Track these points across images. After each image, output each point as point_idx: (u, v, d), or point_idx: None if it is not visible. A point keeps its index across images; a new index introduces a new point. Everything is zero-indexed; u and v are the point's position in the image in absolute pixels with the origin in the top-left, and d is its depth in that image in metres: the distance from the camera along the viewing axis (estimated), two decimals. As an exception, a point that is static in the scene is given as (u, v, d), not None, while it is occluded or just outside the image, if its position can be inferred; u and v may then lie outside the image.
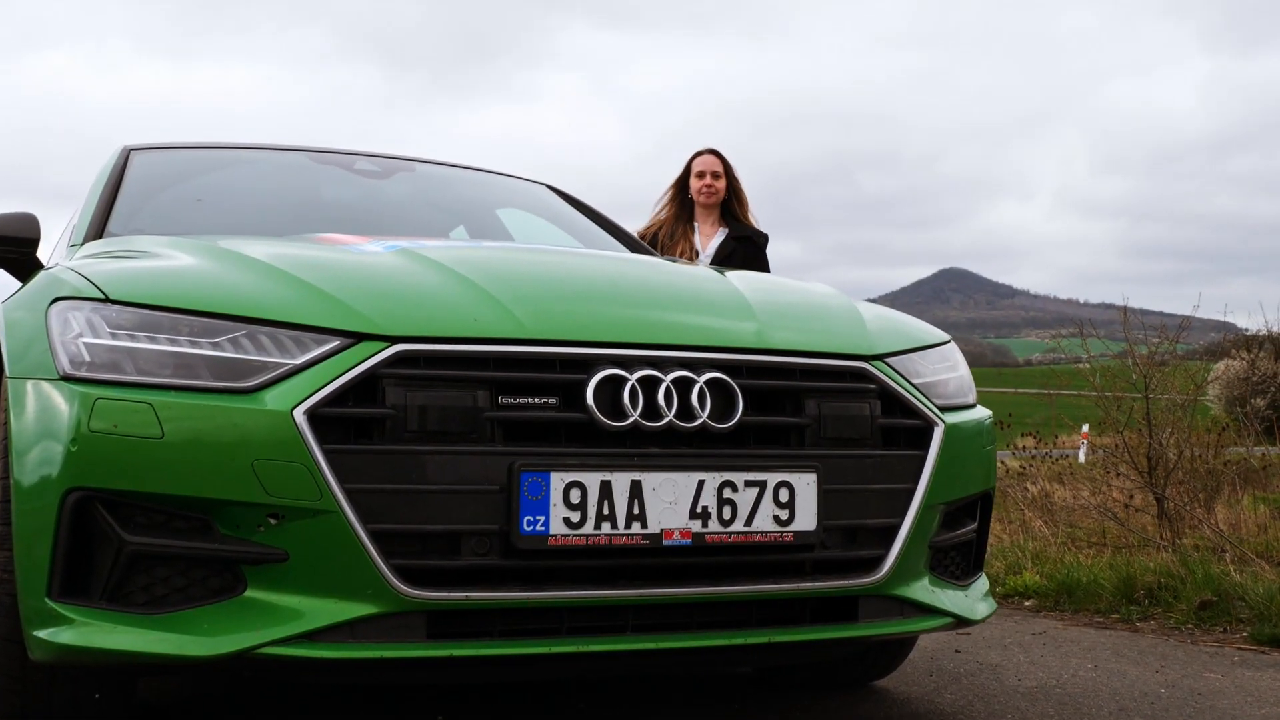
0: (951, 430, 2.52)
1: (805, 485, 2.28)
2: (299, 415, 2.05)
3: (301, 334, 2.15)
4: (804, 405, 2.36)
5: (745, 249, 5.42)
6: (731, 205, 5.54)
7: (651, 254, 4.01)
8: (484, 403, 2.13)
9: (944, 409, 2.57)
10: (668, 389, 2.22)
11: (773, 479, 2.26)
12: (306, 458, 2.04)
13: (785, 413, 2.35)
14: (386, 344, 2.13)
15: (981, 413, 2.75)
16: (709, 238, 5.50)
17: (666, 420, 2.20)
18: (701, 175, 5.49)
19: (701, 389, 2.24)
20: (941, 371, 2.67)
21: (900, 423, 2.47)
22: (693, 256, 5.37)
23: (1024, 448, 9.61)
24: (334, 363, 2.11)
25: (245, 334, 2.15)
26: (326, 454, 2.04)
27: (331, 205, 3.75)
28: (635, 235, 5.56)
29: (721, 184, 5.48)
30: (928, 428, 2.49)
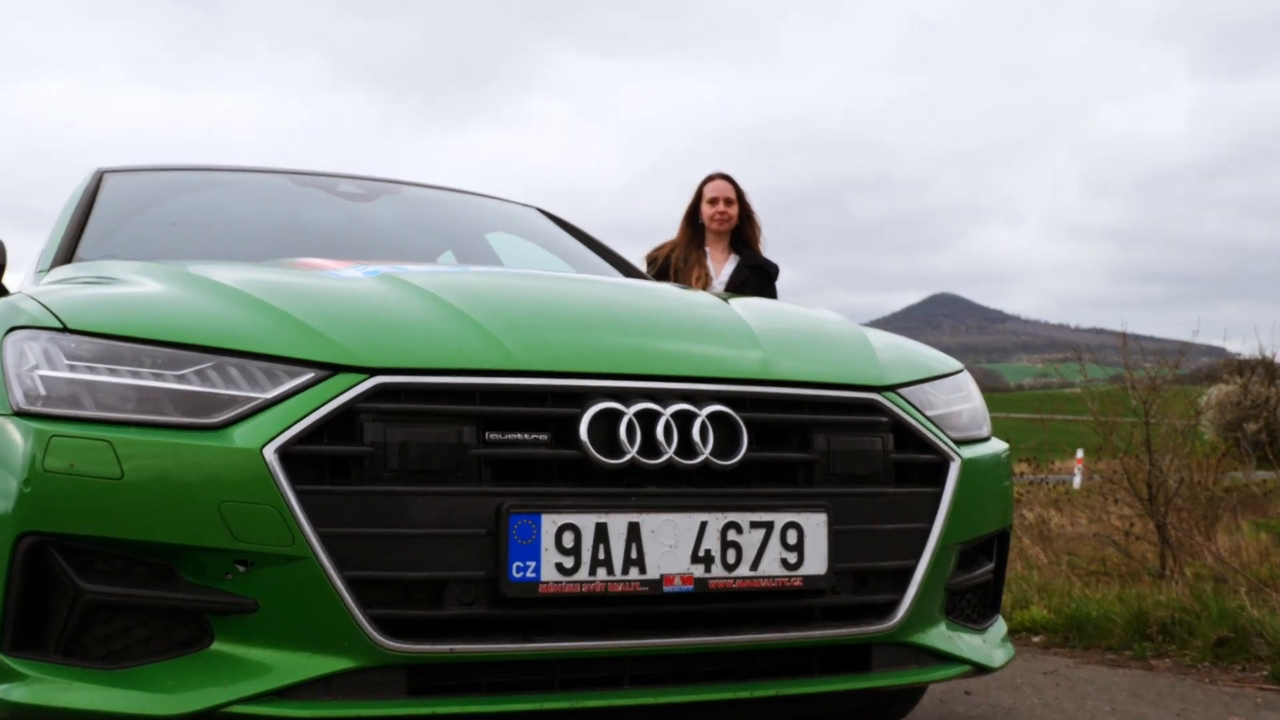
0: (968, 465, 2.37)
1: (814, 526, 2.13)
2: (269, 453, 1.89)
3: (273, 365, 2.00)
4: (812, 440, 2.21)
5: (757, 278, 5.26)
6: (744, 232, 5.37)
7: (647, 279, 3.87)
8: (470, 439, 1.98)
9: (959, 442, 2.42)
10: (667, 423, 2.07)
11: (780, 520, 2.11)
12: (277, 499, 1.88)
13: (793, 448, 2.21)
14: (365, 376, 1.98)
15: (997, 445, 2.60)
16: (720, 264, 5.33)
17: (666, 457, 2.05)
18: (714, 201, 5.31)
19: (703, 423, 2.09)
20: (955, 402, 2.53)
21: (914, 458, 2.32)
22: (708, 283, 5.21)
23: (1020, 474, 9.47)
24: (308, 396, 1.96)
25: (213, 365, 2.00)
26: (299, 495, 1.89)
27: (313, 229, 3.60)
28: (642, 259, 5.41)
29: (734, 210, 5.31)
30: (943, 463, 2.34)
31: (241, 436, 1.92)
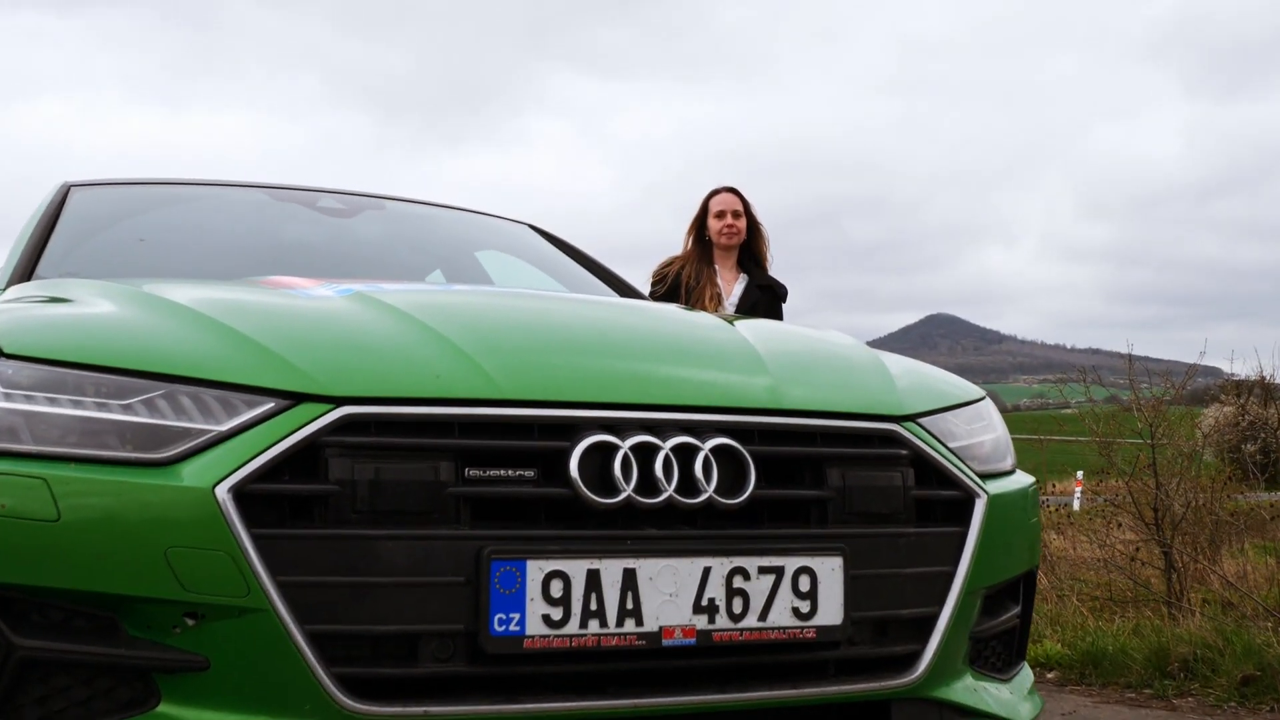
0: (994, 501, 2.17)
1: (829, 571, 1.93)
2: (222, 493, 1.69)
3: (229, 394, 1.80)
4: (826, 475, 2.01)
5: (767, 299, 5.06)
6: (753, 247, 5.16)
7: (644, 299, 3.67)
8: (447, 476, 1.78)
9: (983, 475, 2.23)
10: (666, 458, 1.86)
11: (791, 564, 1.91)
12: (231, 544, 1.68)
13: (804, 485, 2.00)
14: (331, 406, 1.78)
15: (1023, 479, 2.40)
16: (730, 284, 5.12)
17: (665, 496, 1.85)
18: (721, 215, 5.09)
19: (706, 458, 1.89)
20: (978, 432, 2.33)
21: (937, 494, 2.12)
22: (720, 303, 4.99)
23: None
24: (267, 429, 1.75)
25: (162, 394, 1.80)
26: (255, 540, 1.69)
27: (290, 246, 3.40)
28: (648, 276, 5.20)
29: (742, 224, 5.10)
30: (968, 499, 2.14)
31: (191, 474, 1.72)
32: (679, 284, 5.04)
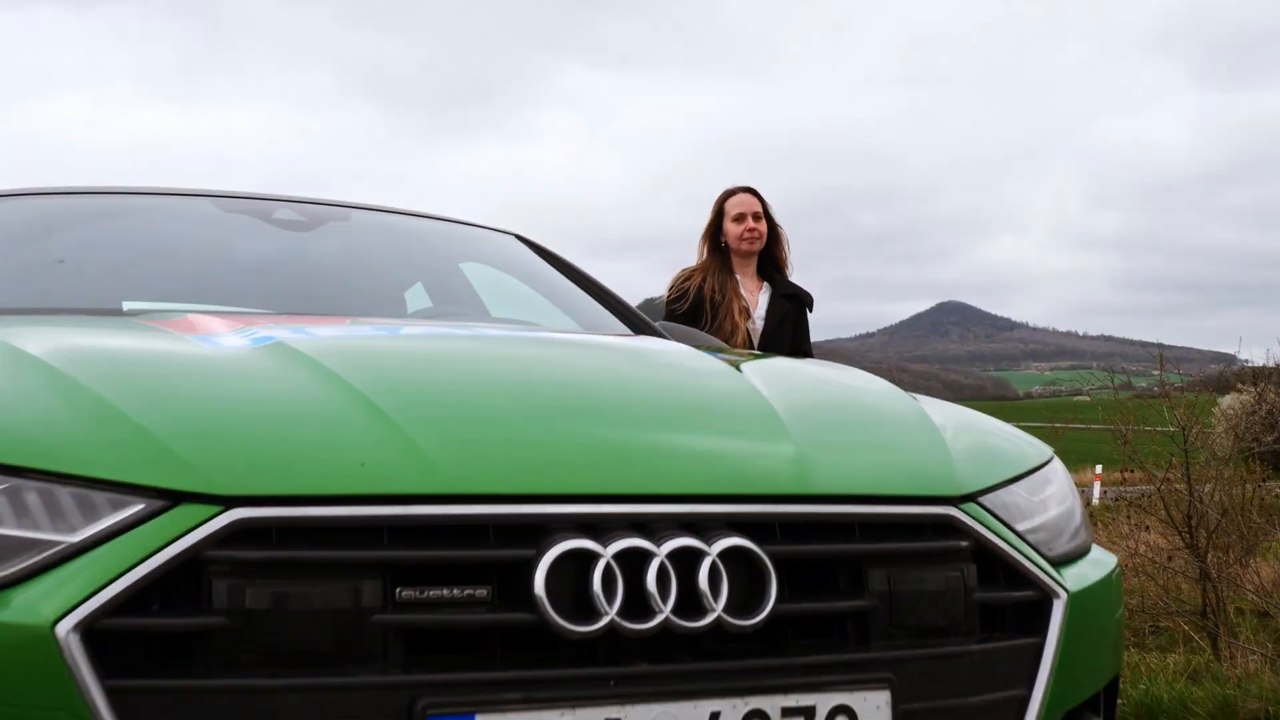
0: (1076, 600, 1.73)
1: (873, 710, 1.48)
2: (65, 631, 1.26)
3: (88, 492, 1.36)
4: (867, 578, 1.56)
5: (795, 310, 4.59)
6: (774, 253, 4.68)
7: (639, 316, 3.22)
8: (372, 600, 1.34)
9: (1057, 562, 1.78)
10: (662, 567, 1.42)
11: (825, 703, 1.46)
12: (76, 702, 1.25)
13: (839, 592, 1.55)
14: (220, 508, 1.34)
15: (1104, 561, 1.95)
16: (754, 294, 4.63)
17: (660, 618, 1.40)
18: (740, 218, 4.58)
19: (714, 564, 1.45)
20: (1050, 505, 1.87)
21: (1006, 596, 1.67)
22: (748, 317, 4.49)
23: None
24: (131, 540, 1.32)
25: (1, 490, 1.37)
26: (110, 695, 1.26)
27: (234, 267, 2.95)
28: (664, 291, 4.74)
29: (763, 226, 4.59)
30: (1044, 600, 1.69)
31: (24, 605, 1.28)
32: (701, 299, 4.50)
